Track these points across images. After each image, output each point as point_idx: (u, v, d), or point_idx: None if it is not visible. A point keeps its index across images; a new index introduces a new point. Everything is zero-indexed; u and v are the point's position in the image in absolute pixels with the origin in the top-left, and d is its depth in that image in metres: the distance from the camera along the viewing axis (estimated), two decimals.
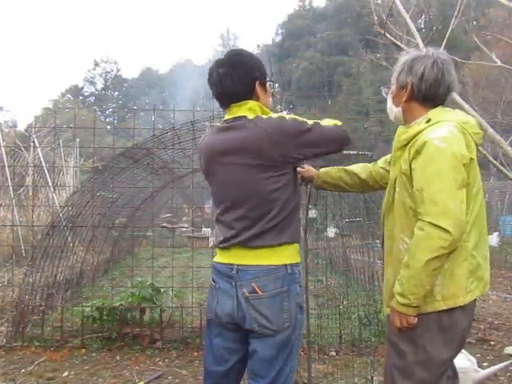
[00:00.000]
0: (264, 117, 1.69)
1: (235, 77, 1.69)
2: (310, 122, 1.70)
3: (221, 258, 1.77)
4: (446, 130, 1.55)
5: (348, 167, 2.14)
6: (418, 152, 1.57)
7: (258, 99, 1.75)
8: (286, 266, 1.68)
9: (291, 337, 1.69)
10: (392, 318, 1.64)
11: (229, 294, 1.70)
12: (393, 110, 1.80)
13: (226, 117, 1.78)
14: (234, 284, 1.68)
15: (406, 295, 1.55)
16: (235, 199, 1.71)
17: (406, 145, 1.66)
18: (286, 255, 1.69)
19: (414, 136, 1.62)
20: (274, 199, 1.66)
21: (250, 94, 1.73)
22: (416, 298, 1.54)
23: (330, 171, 2.15)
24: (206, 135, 1.87)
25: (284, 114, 1.74)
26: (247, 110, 1.72)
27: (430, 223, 1.48)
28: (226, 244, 1.73)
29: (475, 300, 1.67)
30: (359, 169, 2.10)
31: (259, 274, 1.66)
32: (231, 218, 1.72)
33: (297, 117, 1.73)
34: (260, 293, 1.64)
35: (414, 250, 1.53)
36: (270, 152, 1.63)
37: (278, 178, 1.66)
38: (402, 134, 1.71)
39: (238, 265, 1.69)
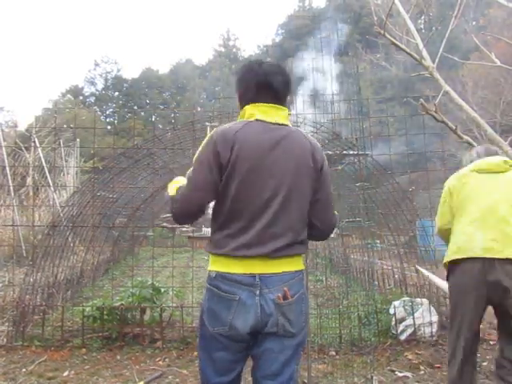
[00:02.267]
0: (313, 140, 1.77)
1: (283, 78, 1.77)
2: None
3: (237, 267, 1.63)
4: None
5: None
6: None
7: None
8: (302, 270, 1.71)
9: (305, 337, 1.76)
10: None
11: (252, 304, 1.61)
12: None
13: (266, 117, 1.71)
14: (258, 292, 1.61)
15: None
16: (271, 208, 1.64)
17: None
18: (302, 262, 1.73)
19: None
20: (305, 213, 1.71)
21: (285, 101, 1.79)
22: None
23: None
24: (238, 127, 1.68)
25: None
26: (286, 117, 1.77)
27: None
28: (246, 253, 1.62)
29: (459, 265, 2.44)
30: None
31: (285, 278, 1.65)
32: (258, 226, 1.63)
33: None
34: (290, 298, 1.63)
35: None
36: (310, 171, 1.69)
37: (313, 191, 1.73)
38: None
39: (260, 274, 1.62)
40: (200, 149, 1.71)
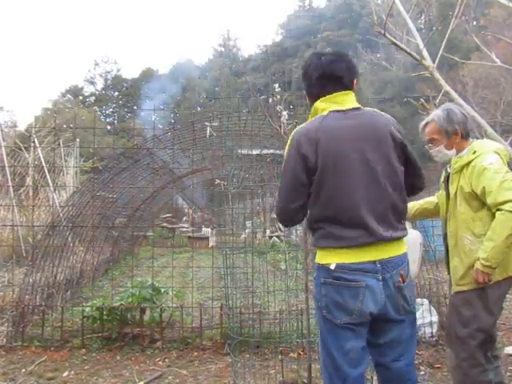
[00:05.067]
0: (388, 115, 1.83)
1: (347, 64, 1.80)
2: None
3: (356, 257, 1.69)
4: (495, 158, 2.22)
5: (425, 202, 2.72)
6: (478, 174, 2.20)
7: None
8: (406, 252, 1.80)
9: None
10: (476, 276, 2.16)
11: (377, 289, 1.68)
12: (449, 153, 2.42)
13: (339, 107, 1.75)
14: (380, 278, 1.68)
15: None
16: (376, 194, 1.70)
17: (460, 170, 2.30)
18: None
19: (468, 163, 2.27)
20: (403, 191, 1.79)
21: (351, 86, 1.80)
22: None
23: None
24: (317, 121, 1.72)
25: None
26: (355, 100, 1.79)
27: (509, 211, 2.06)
28: (367, 240, 1.68)
29: None
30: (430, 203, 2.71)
31: (400, 261, 1.74)
32: (372, 213, 1.68)
33: None
34: (406, 280, 1.74)
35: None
36: (392, 144, 1.74)
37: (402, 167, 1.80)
38: (455, 163, 2.36)
39: (379, 260, 1.69)
40: (285, 155, 1.76)
